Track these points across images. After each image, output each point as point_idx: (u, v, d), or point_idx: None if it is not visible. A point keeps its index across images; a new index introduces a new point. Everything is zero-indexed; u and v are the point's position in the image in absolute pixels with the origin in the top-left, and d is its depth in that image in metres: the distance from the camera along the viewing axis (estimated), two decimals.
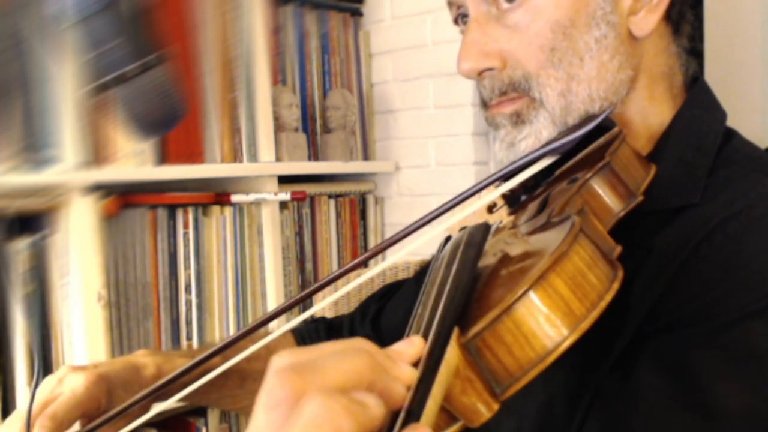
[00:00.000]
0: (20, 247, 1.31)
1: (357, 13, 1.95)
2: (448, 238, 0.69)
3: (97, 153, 1.39)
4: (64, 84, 1.31)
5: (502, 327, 0.42)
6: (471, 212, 0.63)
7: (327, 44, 1.88)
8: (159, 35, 0.60)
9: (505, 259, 0.52)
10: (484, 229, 0.59)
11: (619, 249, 0.49)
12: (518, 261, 0.50)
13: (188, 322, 1.54)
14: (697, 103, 0.71)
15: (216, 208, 1.60)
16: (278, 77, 1.77)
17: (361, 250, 1.92)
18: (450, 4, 0.75)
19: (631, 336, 0.60)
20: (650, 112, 0.71)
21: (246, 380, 0.78)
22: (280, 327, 0.63)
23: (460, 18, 0.75)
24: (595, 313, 0.43)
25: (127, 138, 1.37)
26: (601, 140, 0.64)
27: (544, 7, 0.66)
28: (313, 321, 0.95)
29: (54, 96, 1.32)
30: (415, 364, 0.40)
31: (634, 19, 0.68)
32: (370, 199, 1.95)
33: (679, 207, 0.64)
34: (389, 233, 1.96)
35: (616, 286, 0.44)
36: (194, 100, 1.54)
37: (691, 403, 0.55)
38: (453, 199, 0.58)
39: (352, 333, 0.91)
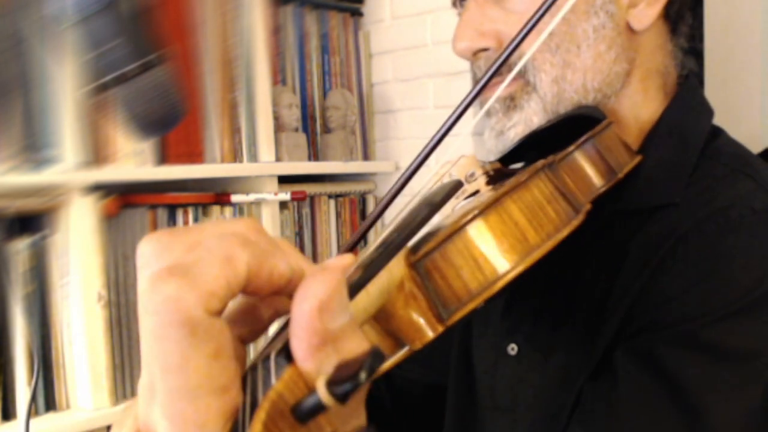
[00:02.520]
0: (20, 247, 1.31)
1: (357, 13, 1.95)
2: None
3: (97, 153, 1.39)
4: (64, 84, 1.31)
5: (452, 248, 0.40)
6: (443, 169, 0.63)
7: (327, 44, 1.88)
8: (159, 35, 0.60)
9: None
10: (454, 183, 0.59)
11: (588, 206, 0.48)
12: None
13: None
14: (685, 101, 0.71)
15: (216, 208, 1.60)
16: (278, 77, 1.77)
17: (361, 250, 1.92)
18: None
19: (611, 337, 0.60)
20: (642, 109, 0.71)
21: None
22: None
23: (459, 1, 0.74)
24: (550, 244, 0.41)
25: (127, 138, 1.37)
26: (590, 132, 0.64)
27: None
28: None
29: (54, 96, 1.32)
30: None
31: (633, 11, 0.68)
32: (370, 199, 1.95)
33: (659, 206, 0.63)
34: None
35: (575, 222, 0.43)
36: (194, 100, 1.54)
37: (676, 406, 0.55)
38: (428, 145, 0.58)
39: None
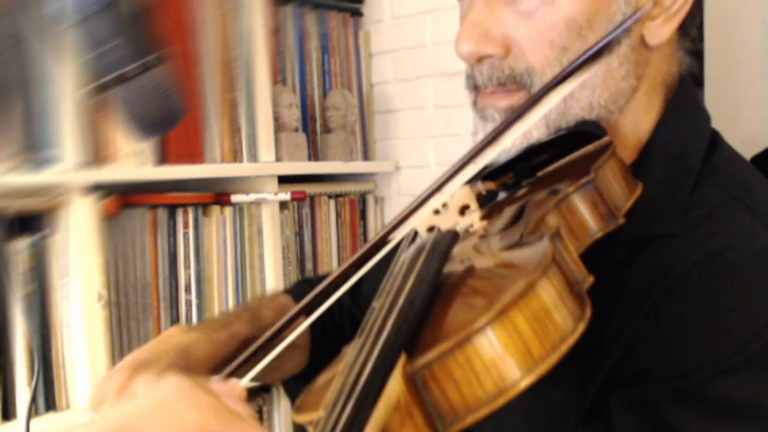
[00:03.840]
0: (20, 247, 1.31)
1: (357, 13, 1.95)
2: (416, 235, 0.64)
3: (97, 153, 1.38)
4: (64, 84, 1.31)
5: (452, 361, 0.38)
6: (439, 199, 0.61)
7: (327, 44, 1.88)
8: (159, 35, 0.60)
9: (470, 275, 0.48)
10: (450, 238, 0.55)
11: (591, 280, 0.46)
12: (482, 283, 0.47)
13: (188, 322, 1.54)
14: (681, 109, 0.68)
15: (216, 208, 1.60)
16: (278, 77, 1.77)
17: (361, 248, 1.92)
18: None
19: (604, 378, 0.58)
20: (642, 121, 0.67)
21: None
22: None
23: None
24: (555, 357, 0.39)
25: (127, 138, 1.37)
26: (589, 148, 0.61)
27: (562, 1, 0.61)
28: (304, 282, 0.90)
29: (54, 96, 1.32)
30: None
31: (650, 25, 0.64)
32: (370, 199, 1.95)
33: (657, 236, 0.61)
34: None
35: (581, 327, 0.41)
36: (194, 100, 1.54)
37: None
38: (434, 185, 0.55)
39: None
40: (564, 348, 0.40)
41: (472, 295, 0.45)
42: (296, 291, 0.87)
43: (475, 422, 0.39)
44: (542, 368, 0.39)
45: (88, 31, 0.57)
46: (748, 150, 1.41)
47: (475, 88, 0.67)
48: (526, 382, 0.39)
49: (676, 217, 0.61)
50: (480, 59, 0.65)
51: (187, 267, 1.54)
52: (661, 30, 0.64)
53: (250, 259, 1.64)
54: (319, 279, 0.88)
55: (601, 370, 0.58)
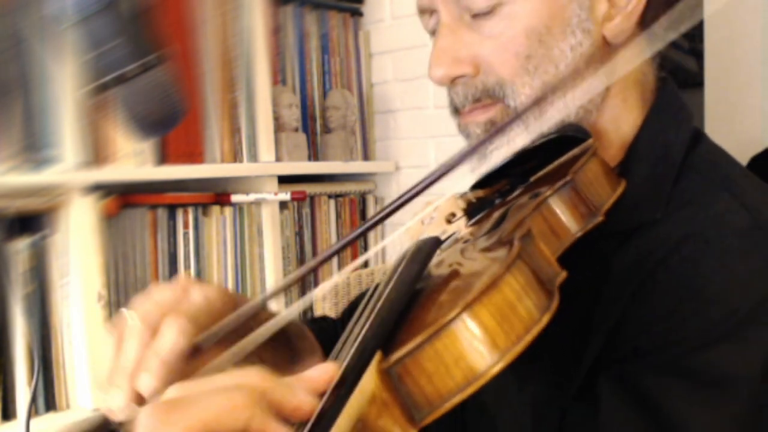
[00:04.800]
0: (20, 247, 1.31)
1: (357, 13, 1.95)
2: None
3: (97, 153, 1.39)
4: (64, 84, 1.31)
5: (423, 355, 0.42)
6: (428, 212, 0.62)
7: (327, 44, 1.88)
8: (159, 35, 0.60)
9: (449, 278, 0.51)
10: (432, 244, 0.58)
11: (563, 275, 0.49)
12: (455, 283, 0.49)
13: None
14: (664, 108, 0.70)
15: (216, 208, 1.60)
16: (278, 77, 1.77)
17: (360, 250, 1.92)
18: (422, 12, 0.72)
19: (592, 361, 0.60)
20: (623, 120, 0.70)
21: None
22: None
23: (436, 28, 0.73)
24: (520, 346, 0.42)
25: (127, 138, 1.37)
26: (575, 151, 0.63)
27: (519, 14, 0.65)
28: (320, 320, 0.93)
29: (54, 96, 1.32)
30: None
31: (609, 25, 0.67)
32: (370, 199, 1.95)
33: (641, 224, 0.63)
34: (389, 233, 1.96)
35: (546, 318, 0.44)
36: (194, 100, 1.54)
37: None
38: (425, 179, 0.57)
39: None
40: (528, 338, 0.43)
41: (444, 295, 0.48)
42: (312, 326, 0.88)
43: (450, 409, 0.42)
44: (508, 357, 0.42)
45: (88, 31, 0.57)
46: (748, 150, 1.42)
47: (456, 111, 0.71)
48: (494, 371, 0.42)
49: (660, 206, 0.63)
50: (453, 81, 0.69)
51: (187, 267, 1.54)
52: (621, 28, 0.67)
53: (250, 259, 1.65)
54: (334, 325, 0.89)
55: (590, 354, 0.60)
